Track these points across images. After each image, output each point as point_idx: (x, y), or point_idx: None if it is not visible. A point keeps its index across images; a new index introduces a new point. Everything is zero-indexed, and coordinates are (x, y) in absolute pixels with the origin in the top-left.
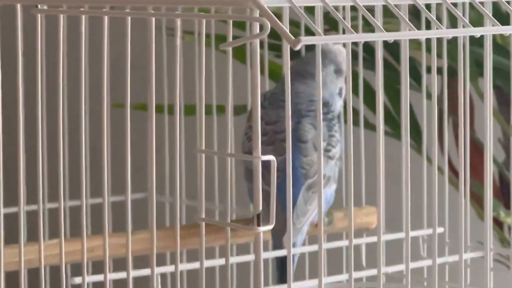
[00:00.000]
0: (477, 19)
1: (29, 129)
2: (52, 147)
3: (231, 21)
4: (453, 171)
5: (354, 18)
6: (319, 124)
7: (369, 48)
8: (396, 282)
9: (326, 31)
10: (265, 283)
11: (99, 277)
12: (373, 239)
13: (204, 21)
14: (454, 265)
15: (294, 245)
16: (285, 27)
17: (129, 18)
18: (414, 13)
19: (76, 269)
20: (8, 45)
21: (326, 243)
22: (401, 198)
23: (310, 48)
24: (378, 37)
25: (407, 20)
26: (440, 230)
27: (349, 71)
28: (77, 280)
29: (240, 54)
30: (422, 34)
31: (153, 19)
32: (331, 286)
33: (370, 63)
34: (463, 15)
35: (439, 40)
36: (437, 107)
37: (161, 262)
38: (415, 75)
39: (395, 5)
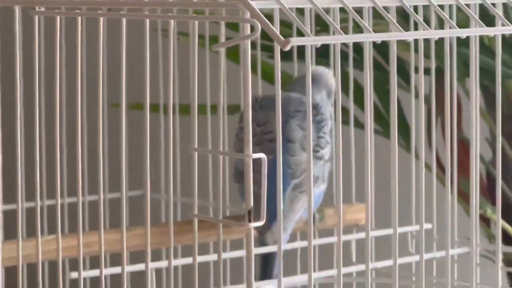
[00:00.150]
0: (464, 21)
1: (27, 127)
2: (50, 145)
3: (223, 23)
4: (441, 169)
5: (345, 20)
6: (309, 124)
7: (359, 49)
8: (385, 277)
9: (318, 33)
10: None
11: (95, 272)
12: (363, 235)
13: (196, 22)
14: (441, 261)
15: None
16: (276, 29)
17: (125, 19)
18: (403, 15)
19: (74, 264)
20: (7, 46)
21: (317, 239)
22: (390, 195)
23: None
24: (366, 38)
25: (395, 21)
26: (428, 226)
27: (337, 71)
28: (74, 274)
29: (234, 54)
30: (409, 35)
31: (148, 20)
32: (322, 281)
33: (360, 64)
34: (451, 17)
35: (427, 41)
36: (426, 107)
37: (156, 257)
38: (404, 75)
39: (384, 7)
